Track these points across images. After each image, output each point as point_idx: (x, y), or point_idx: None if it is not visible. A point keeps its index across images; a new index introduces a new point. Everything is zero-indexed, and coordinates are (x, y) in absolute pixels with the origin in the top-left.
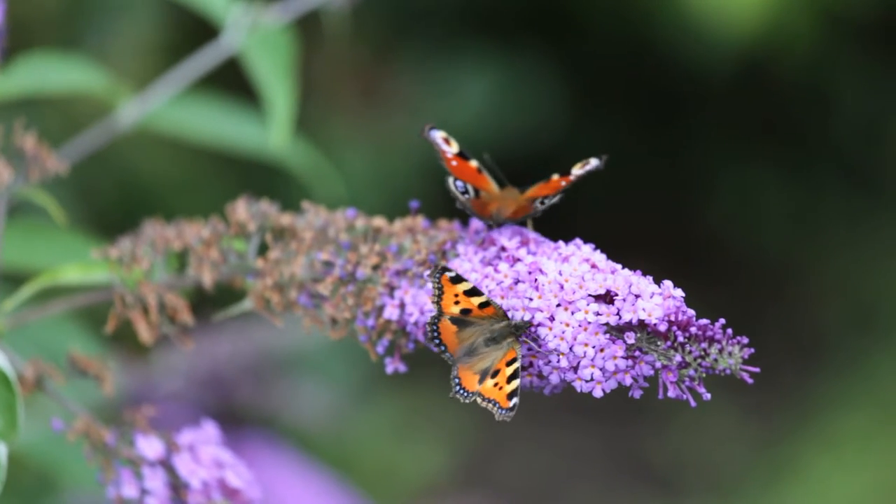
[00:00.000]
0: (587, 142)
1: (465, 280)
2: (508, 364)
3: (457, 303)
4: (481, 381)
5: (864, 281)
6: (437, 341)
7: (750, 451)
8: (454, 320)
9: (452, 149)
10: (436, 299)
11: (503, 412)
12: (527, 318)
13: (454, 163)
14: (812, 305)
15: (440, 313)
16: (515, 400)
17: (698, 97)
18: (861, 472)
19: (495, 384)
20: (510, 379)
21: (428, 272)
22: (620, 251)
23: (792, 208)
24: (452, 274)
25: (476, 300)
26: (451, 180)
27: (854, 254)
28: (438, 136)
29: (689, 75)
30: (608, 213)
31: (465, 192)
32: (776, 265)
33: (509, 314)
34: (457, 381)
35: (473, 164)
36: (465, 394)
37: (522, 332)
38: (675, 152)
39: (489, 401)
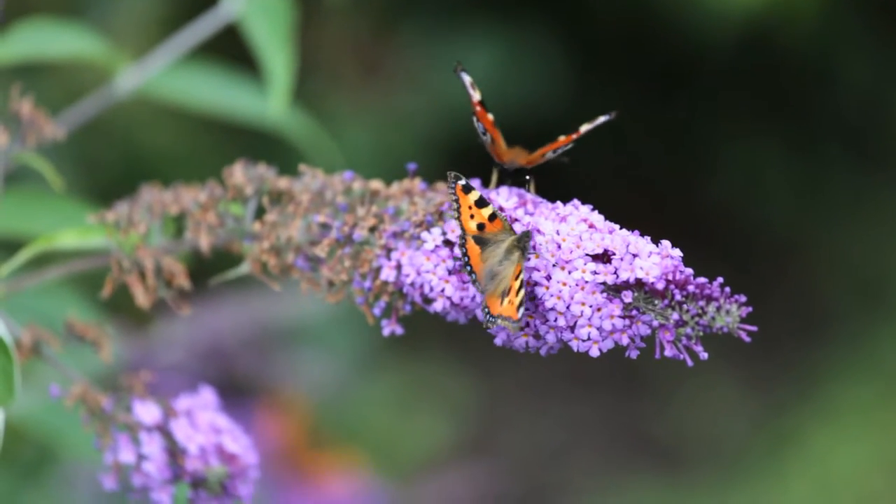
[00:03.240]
0: (590, 115)
1: (474, 189)
2: (516, 278)
3: (472, 216)
4: (501, 303)
5: (867, 255)
6: (468, 268)
7: (751, 424)
8: (476, 239)
9: (476, 95)
10: (456, 215)
11: (514, 324)
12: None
13: (477, 108)
14: (815, 279)
15: (464, 232)
16: (522, 310)
17: (702, 70)
18: (863, 445)
19: (510, 301)
20: (518, 291)
21: (445, 184)
22: (622, 224)
23: (796, 182)
24: (464, 182)
25: (486, 212)
26: (475, 120)
27: (858, 228)
28: (467, 79)
29: (692, 48)
30: (611, 186)
31: (485, 134)
32: (781, 239)
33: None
34: (486, 309)
35: (490, 117)
36: (491, 318)
37: (526, 242)
38: (679, 126)
39: (506, 319)
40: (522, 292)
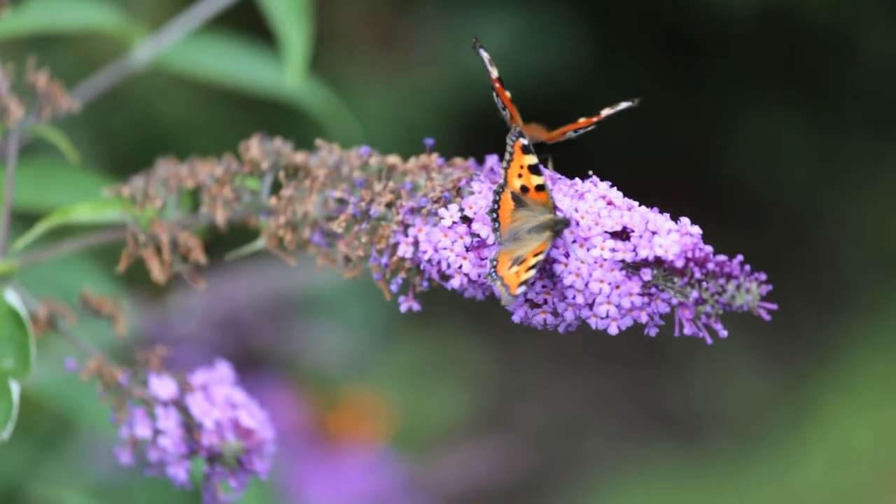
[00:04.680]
0: (608, 86)
1: (534, 154)
2: (535, 255)
3: (520, 176)
4: (511, 267)
5: (885, 225)
6: (494, 215)
7: (770, 396)
8: (514, 196)
9: (494, 72)
10: (505, 165)
11: (509, 298)
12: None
13: (496, 84)
14: (833, 250)
15: (505, 183)
16: (523, 289)
17: (720, 40)
18: (881, 416)
19: (516, 272)
20: (529, 269)
21: (509, 136)
22: (640, 195)
23: (814, 152)
24: (526, 142)
25: (535, 180)
26: (494, 95)
27: (876, 198)
28: (485, 56)
29: (711, 19)
30: (628, 157)
31: (504, 110)
32: (797, 209)
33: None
34: (494, 263)
35: (508, 94)
36: (495, 276)
37: (561, 228)
38: (697, 95)
39: (504, 286)
40: (532, 273)
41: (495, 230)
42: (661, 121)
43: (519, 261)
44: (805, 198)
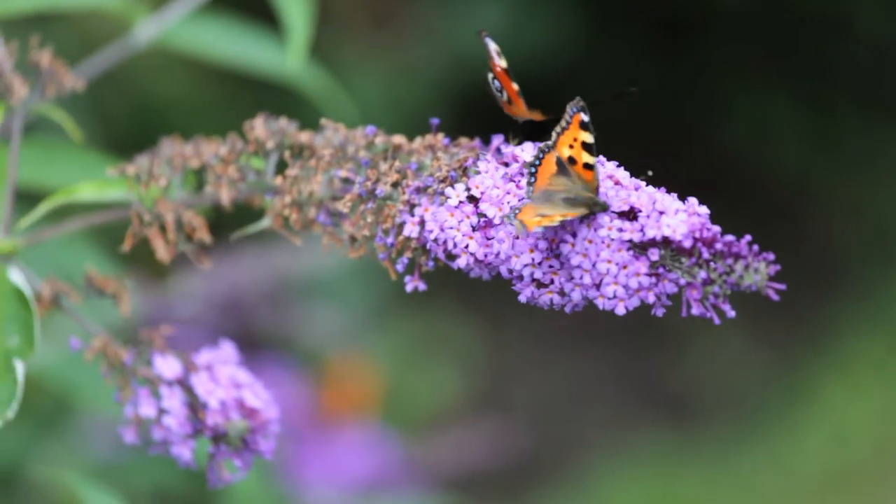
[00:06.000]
0: (602, 64)
1: (591, 132)
2: (563, 217)
3: (571, 147)
4: (534, 217)
5: (881, 206)
6: (533, 169)
7: (765, 377)
8: (559, 161)
9: (502, 63)
10: (559, 130)
11: (523, 230)
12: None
13: (502, 76)
14: (827, 230)
15: (554, 146)
16: (540, 230)
17: (714, 18)
18: (877, 398)
19: (538, 220)
20: (554, 219)
21: (571, 105)
22: (632, 176)
23: (808, 132)
24: (587, 119)
25: (587, 157)
26: (490, 77)
27: (872, 179)
28: (492, 47)
29: None
30: (622, 139)
31: (507, 100)
32: (792, 189)
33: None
34: (517, 210)
35: (515, 86)
36: (512, 217)
37: (598, 211)
38: (692, 75)
39: (522, 224)
40: (556, 222)
41: (529, 184)
42: (656, 101)
43: (544, 216)
44: (799, 178)
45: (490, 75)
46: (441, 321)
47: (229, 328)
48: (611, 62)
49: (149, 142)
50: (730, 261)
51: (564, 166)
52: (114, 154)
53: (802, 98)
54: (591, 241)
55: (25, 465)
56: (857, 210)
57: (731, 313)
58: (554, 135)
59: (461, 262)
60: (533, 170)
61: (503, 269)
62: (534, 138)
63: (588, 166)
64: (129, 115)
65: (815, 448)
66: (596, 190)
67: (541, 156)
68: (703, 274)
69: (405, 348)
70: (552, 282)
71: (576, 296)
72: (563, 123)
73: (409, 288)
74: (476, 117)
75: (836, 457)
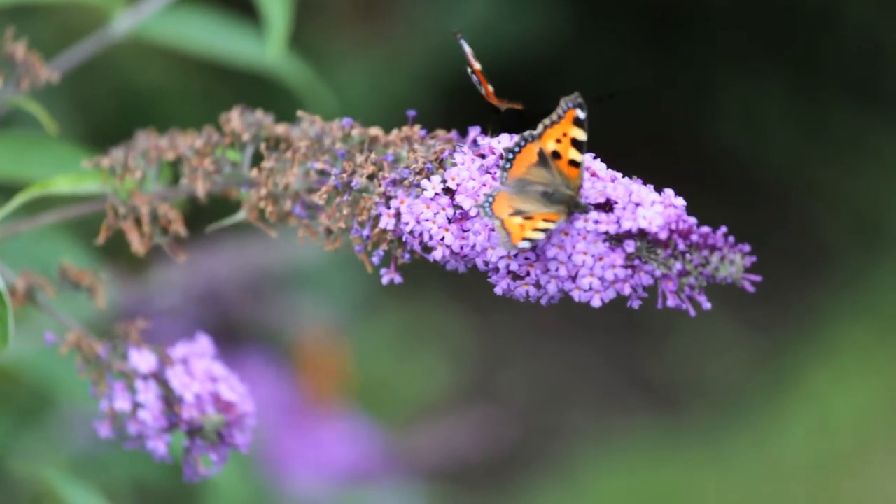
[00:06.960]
0: (590, 56)
1: (584, 130)
2: (545, 220)
3: (558, 141)
4: (512, 215)
5: (866, 196)
6: (511, 155)
7: (750, 365)
8: (541, 153)
9: (476, 65)
10: (549, 122)
11: (509, 245)
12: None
13: (479, 75)
14: (815, 220)
15: (538, 137)
16: (526, 244)
17: (702, 10)
18: (861, 385)
19: (521, 224)
20: (537, 230)
21: (566, 100)
22: (621, 168)
23: (797, 124)
24: (583, 116)
25: (574, 154)
26: (469, 71)
27: (858, 169)
28: (467, 49)
29: None
30: (609, 130)
31: (479, 86)
32: (780, 180)
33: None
34: (491, 199)
35: (491, 88)
36: (490, 214)
37: (577, 212)
38: (680, 67)
39: (505, 231)
40: (541, 235)
41: (504, 169)
42: (643, 92)
43: (525, 216)
44: (787, 168)
45: (469, 69)
46: (428, 311)
47: (208, 320)
48: (599, 54)
49: (131, 132)
50: (705, 252)
51: (546, 159)
52: (95, 145)
53: (791, 90)
54: (566, 234)
55: (5, 459)
56: (842, 199)
57: (707, 305)
58: (541, 126)
59: (437, 254)
60: (511, 156)
61: (479, 262)
62: (513, 130)
63: (574, 163)
64: (110, 105)
65: (799, 434)
66: (578, 189)
67: (522, 143)
68: (678, 266)
69: (393, 339)
70: (528, 274)
71: (551, 288)
72: (553, 116)
73: (384, 280)
74: (461, 108)
75: (820, 443)
